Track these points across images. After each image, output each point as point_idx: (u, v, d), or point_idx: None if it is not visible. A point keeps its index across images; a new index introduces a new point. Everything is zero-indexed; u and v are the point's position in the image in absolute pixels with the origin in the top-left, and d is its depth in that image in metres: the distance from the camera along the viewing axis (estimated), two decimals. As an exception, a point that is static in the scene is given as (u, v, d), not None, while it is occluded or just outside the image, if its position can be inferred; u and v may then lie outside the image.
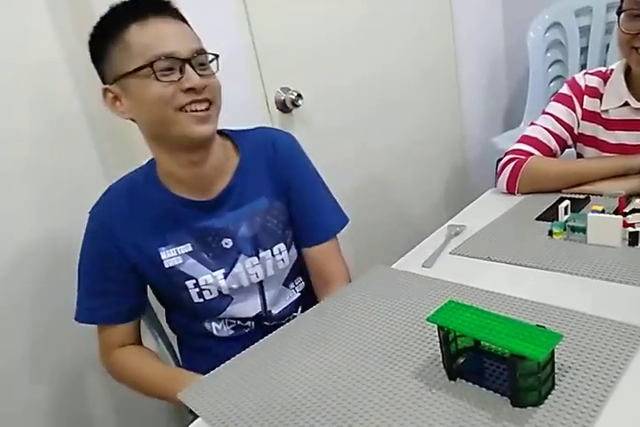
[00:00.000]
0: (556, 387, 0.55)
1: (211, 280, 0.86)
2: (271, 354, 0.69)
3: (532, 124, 1.22)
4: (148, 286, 0.93)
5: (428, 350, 0.64)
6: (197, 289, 0.86)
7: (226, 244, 0.87)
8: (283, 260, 0.93)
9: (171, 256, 0.85)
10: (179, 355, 1.01)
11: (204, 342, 0.93)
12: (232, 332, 0.93)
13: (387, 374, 0.61)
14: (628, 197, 0.97)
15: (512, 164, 1.14)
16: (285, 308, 0.94)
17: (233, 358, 0.69)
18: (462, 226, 1.00)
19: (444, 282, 0.80)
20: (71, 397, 1.16)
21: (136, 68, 0.73)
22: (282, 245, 0.92)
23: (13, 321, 1.05)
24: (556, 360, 0.55)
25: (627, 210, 0.91)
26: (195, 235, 0.86)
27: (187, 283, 0.86)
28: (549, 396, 0.53)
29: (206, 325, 0.93)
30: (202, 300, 0.87)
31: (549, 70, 2.05)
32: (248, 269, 0.89)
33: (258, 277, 0.90)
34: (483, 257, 0.88)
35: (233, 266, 0.88)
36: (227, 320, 0.92)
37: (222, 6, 1.23)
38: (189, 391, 0.65)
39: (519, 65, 2.13)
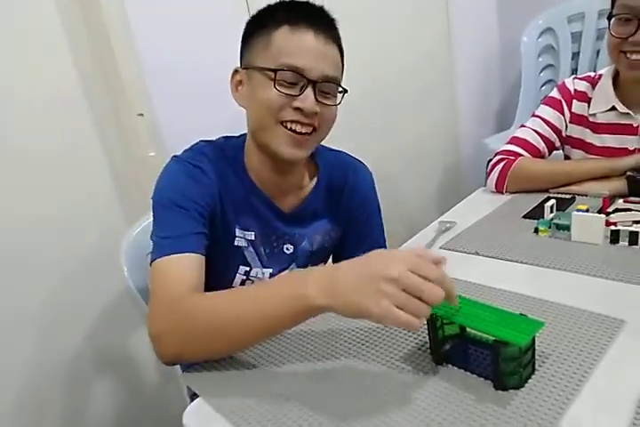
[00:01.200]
0: (536, 372, 0.58)
1: (260, 275, 0.87)
2: (271, 341, 0.71)
3: (521, 126, 1.26)
4: None
5: (417, 337, 0.67)
6: (245, 277, 0.87)
7: (287, 249, 0.89)
8: None
9: (240, 236, 0.84)
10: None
11: None
12: None
13: (377, 358, 0.64)
14: (612, 198, 1.01)
15: (501, 164, 1.18)
16: None
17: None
18: (453, 222, 1.04)
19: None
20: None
21: (263, 68, 0.74)
22: (322, 264, 0.97)
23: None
24: (536, 347, 0.58)
25: (610, 210, 0.96)
26: (262, 229, 0.85)
27: (241, 267, 0.86)
28: (530, 380, 0.57)
29: None
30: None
31: (541, 74, 2.10)
32: None
33: None
34: (471, 252, 0.91)
35: (281, 270, 0.89)
36: None
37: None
38: (191, 374, 0.67)
39: (512, 69, 2.18)
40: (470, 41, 2.11)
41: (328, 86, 0.77)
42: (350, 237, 0.96)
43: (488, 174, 1.22)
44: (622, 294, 0.73)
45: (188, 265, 0.71)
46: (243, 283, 0.87)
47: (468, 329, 0.64)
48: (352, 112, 1.63)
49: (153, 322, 0.66)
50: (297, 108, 0.74)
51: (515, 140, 1.23)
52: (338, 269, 0.58)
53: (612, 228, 0.89)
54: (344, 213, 0.94)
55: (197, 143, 0.85)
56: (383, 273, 0.52)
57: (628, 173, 1.05)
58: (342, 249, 0.98)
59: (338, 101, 0.80)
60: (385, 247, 1.02)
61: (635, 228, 0.88)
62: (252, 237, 0.86)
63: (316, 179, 0.91)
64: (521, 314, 0.57)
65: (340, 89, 0.79)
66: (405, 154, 1.89)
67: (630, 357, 0.59)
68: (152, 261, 0.72)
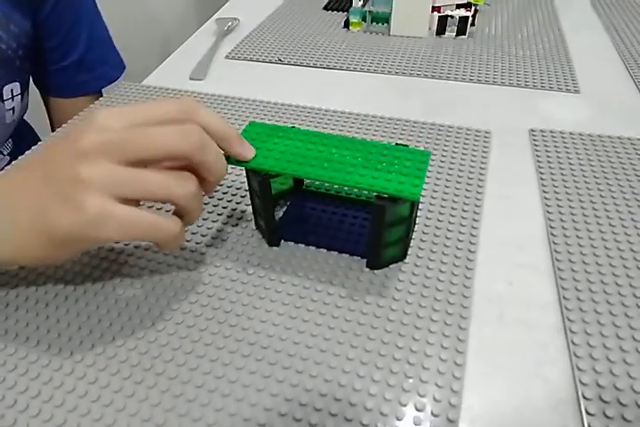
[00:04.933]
0: (416, 226, 0.39)
1: None
2: None
3: None
4: None
5: (237, 203, 0.41)
6: None
7: None
8: (13, 110, 0.54)
9: None
10: None
11: None
12: None
13: (184, 252, 0.37)
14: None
15: None
16: None
17: None
18: (235, 19, 0.71)
19: (226, 98, 0.54)
20: None
21: None
22: (17, 86, 0.54)
23: None
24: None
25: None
26: None
27: None
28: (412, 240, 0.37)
29: None
30: None
31: None
32: None
33: None
34: (271, 60, 0.63)
35: None
36: None
37: None
38: None
39: None
40: None
41: None
42: (57, 30, 0.57)
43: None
44: (465, 97, 0.56)
45: None
46: None
47: (306, 181, 0.41)
48: None
49: None
50: None
51: None
52: None
53: (438, 14, 0.69)
54: None
55: None
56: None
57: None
58: (43, 60, 0.59)
59: None
60: (113, 44, 0.66)
61: (461, 12, 0.70)
62: None
63: None
64: (398, 144, 0.34)
65: None
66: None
67: (514, 172, 0.44)
68: None
